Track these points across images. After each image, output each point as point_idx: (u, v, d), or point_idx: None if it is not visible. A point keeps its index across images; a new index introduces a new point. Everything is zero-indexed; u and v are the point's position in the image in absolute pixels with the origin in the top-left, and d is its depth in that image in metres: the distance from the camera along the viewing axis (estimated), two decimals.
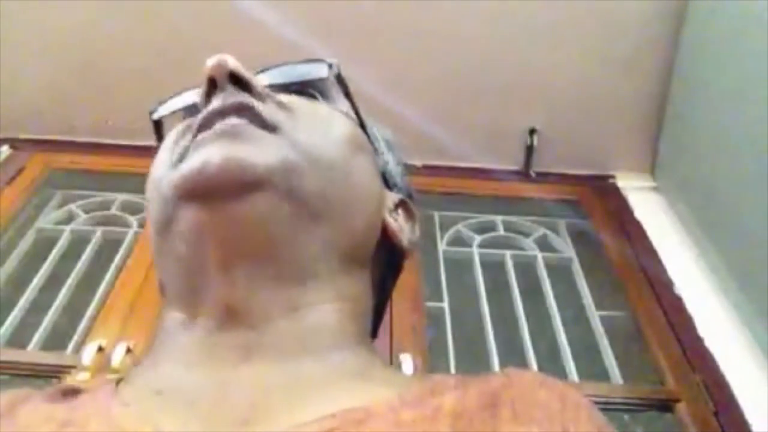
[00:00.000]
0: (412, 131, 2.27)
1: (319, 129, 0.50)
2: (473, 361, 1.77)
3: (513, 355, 1.77)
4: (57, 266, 1.96)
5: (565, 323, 1.86)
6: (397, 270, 0.60)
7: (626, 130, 2.38)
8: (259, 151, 0.46)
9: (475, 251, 2.10)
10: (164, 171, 0.49)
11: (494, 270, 2.05)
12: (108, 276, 1.91)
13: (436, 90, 2.28)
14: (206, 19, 2.20)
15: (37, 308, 1.80)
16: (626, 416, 1.62)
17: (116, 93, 2.31)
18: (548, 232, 2.19)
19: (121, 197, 2.20)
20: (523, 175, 2.37)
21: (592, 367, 1.76)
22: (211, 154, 0.45)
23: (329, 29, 2.17)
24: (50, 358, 1.66)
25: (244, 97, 0.48)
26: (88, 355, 1.60)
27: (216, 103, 0.48)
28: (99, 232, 2.08)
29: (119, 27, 2.22)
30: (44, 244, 2.03)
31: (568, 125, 2.34)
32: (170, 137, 0.51)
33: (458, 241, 2.16)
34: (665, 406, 1.63)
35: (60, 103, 2.31)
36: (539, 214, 2.25)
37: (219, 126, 0.46)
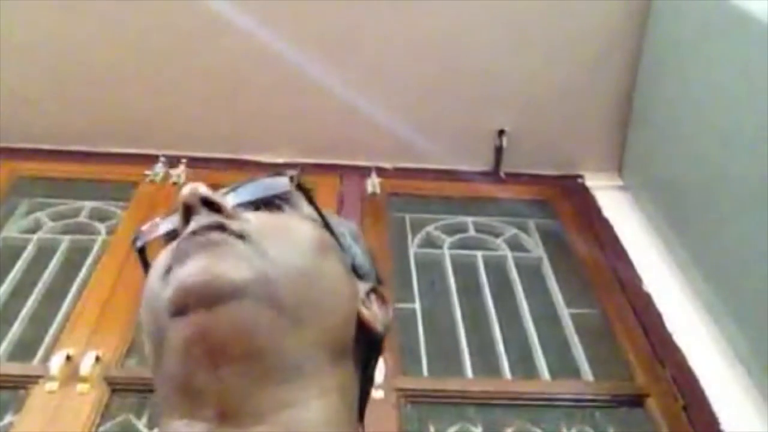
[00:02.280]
0: (382, 134, 2.28)
1: (288, 240, 0.55)
2: (445, 362, 1.78)
3: (485, 355, 1.78)
4: (24, 275, 1.93)
5: (536, 322, 1.87)
6: (377, 352, 0.64)
7: (594, 131, 2.41)
8: (235, 264, 0.50)
9: (446, 252, 2.11)
10: (154, 295, 0.52)
11: (465, 270, 2.06)
12: (76, 284, 1.88)
13: (405, 93, 2.29)
14: (170, 28, 2.18)
15: (4, 318, 1.77)
16: (597, 413, 1.63)
17: (81, 100, 2.29)
18: (518, 232, 2.21)
19: (89, 205, 2.17)
20: (493, 176, 2.39)
21: (563, 365, 1.78)
22: (191, 270, 0.49)
23: (302, 34, 2.16)
24: (17, 369, 1.63)
25: (216, 217, 0.53)
26: (56, 364, 1.57)
27: (193, 224, 0.52)
28: (67, 240, 2.06)
29: (82, 36, 2.20)
30: (11, 253, 1.99)
31: (536, 126, 2.37)
32: (158, 261, 0.55)
33: (429, 242, 2.17)
34: (635, 401, 1.65)
35: (25, 110, 2.28)
36: (509, 214, 2.27)
37: (197, 239, 0.51)
